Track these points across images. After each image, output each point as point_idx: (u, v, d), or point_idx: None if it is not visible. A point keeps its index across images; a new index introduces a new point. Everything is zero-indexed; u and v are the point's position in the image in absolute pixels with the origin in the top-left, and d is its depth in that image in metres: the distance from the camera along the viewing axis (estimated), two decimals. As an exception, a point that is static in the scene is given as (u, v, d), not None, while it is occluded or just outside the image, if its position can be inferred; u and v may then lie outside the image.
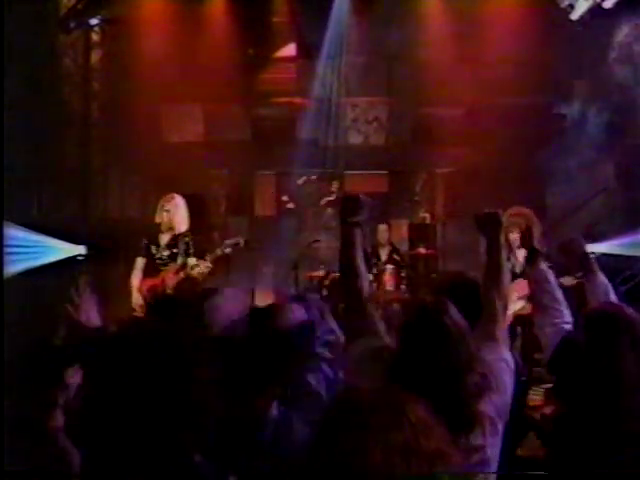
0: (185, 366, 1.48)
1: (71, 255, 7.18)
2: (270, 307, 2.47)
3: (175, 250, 5.88)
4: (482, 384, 2.08)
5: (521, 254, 5.52)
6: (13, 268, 5.88)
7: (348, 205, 2.56)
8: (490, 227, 2.55)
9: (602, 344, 2.23)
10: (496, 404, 2.13)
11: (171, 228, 5.91)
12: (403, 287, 7.52)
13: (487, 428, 2.07)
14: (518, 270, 5.55)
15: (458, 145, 8.69)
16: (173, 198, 5.97)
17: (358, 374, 2.25)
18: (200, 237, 6.61)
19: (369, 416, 1.20)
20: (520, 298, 5.18)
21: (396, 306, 7.47)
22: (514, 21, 8.03)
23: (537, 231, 5.43)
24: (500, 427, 2.14)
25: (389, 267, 7.58)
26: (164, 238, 5.93)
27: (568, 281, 5.18)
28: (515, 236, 5.43)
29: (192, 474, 1.44)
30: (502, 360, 2.26)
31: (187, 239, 5.91)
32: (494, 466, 2.11)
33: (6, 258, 5.32)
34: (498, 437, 2.13)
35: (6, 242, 5.36)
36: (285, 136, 8.95)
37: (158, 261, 5.90)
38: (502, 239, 2.52)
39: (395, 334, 2.20)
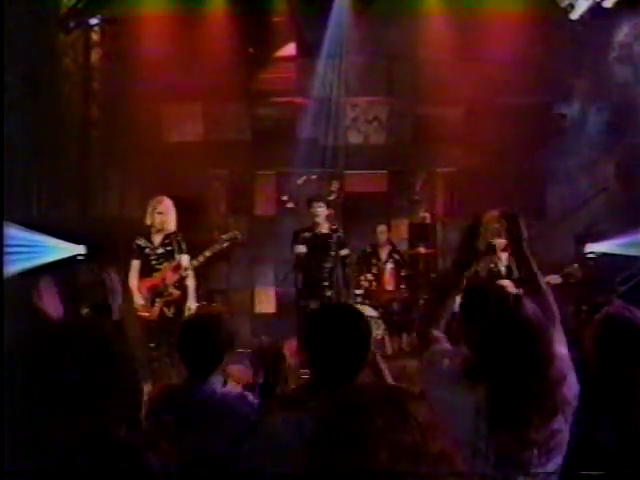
0: (110, 352, 1.61)
1: (71, 255, 7.19)
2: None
3: (169, 248, 6.04)
4: (561, 371, 2.20)
5: (504, 256, 5.54)
6: (13, 268, 5.88)
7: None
8: (512, 229, 2.61)
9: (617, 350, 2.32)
10: (572, 390, 2.22)
11: (162, 229, 6.07)
12: (403, 287, 7.52)
13: (567, 413, 2.18)
14: (503, 272, 5.56)
15: (458, 145, 8.68)
16: (163, 200, 6.12)
17: (431, 377, 2.36)
18: (199, 237, 6.66)
19: (375, 416, 1.19)
20: None
21: (396, 306, 7.48)
22: (514, 21, 8.02)
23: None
24: (573, 412, 2.23)
25: (389, 267, 7.58)
26: (157, 238, 6.09)
27: (554, 279, 5.19)
28: (499, 241, 5.46)
29: (115, 447, 1.54)
30: (565, 354, 2.34)
31: (179, 238, 6.09)
32: (564, 451, 2.20)
33: (6, 258, 5.31)
34: (570, 423, 2.22)
35: (6, 242, 5.36)
36: (285, 136, 8.94)
37: (153, 261, 6.05)
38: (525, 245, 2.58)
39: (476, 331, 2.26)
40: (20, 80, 7.06)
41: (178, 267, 6.00)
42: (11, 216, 5.82)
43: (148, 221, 6.10)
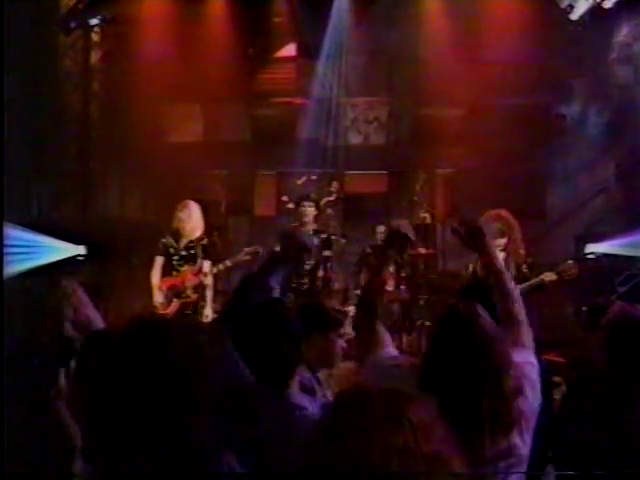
0: (190, 356, 1.59)
1: (71, 255, 7.20)
2: None
3: (192, 252, 6.06)
4: (518, 383, 2.12)
5: (501, 256, 5.55)
6: (13, 268, 5.88)
7: (397, 242, 2.63)
8: (474, 240, 2.55)
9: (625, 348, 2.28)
10: (530, 403, 2.16)
11: (184, 235, 6.07)
12: (403, 287, 7.51)
13: (523, 427, 2.10)
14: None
15: (458, 145, 8.68)
16: (186, 206, 6.13)
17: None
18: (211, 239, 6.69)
19: (368, 417, 1.19)
20: None
21: (396, 306, 7.47)
22: (514, 21, 8.02)
23: (517, 234, 5.49)
24: (532, 426, 2.16)
25: (389, 267, 7.57)
26: (182, 241, 6.11)
27: (549, 276, 5.21)
28: (501, 241, 5.48)
29: (192, 451, 1.53)
30: (529, 362, 2.29)
31: (204, 242, 6.10)
32: (525, 465, 2.13)
33: (6, 258, 5.31)
34: (530, 436, 2.15)
35: (6, 242, 5.36)
36: (285, 136, 8.94)
37: (175, 261, 6.07)
38: (491, 247, 2.53)
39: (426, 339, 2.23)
40: (20, 80, 7.06)
41: (199, 272, 6.03)
42: (11, 216, 5.82)
43: (173, 225, 6.11)
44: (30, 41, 7.40)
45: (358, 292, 7.34)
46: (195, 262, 6.07)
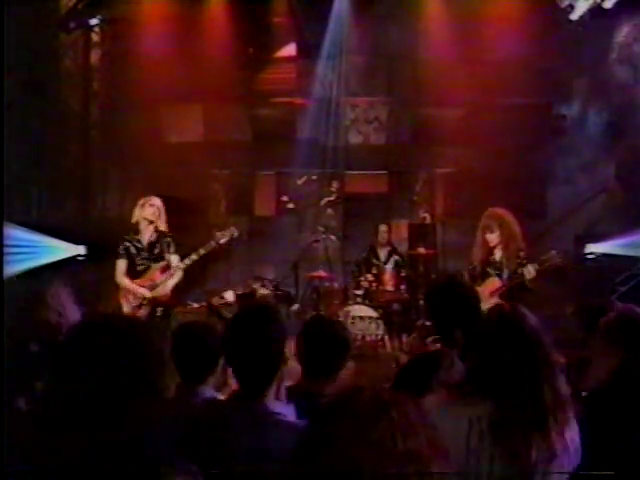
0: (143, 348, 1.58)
1: (71, 255, 7.21)
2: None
3: (157, 250, 5.82)
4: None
5: (498, 253, 5.55)
6: (13, 268, 5.88)
7: None
8: None
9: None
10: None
11: (150, 230, 5.83)
12: (403, 287, 7.51)
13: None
14: (493, 271, 5.57)
15: (458, 145, 8.69)
16: (151, 200, 5.89)
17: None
18: (199, 237, 6.60)
19: (346, 412, 1.20)
20: (492, 294, 5.20)
21: (396, 306, 7.48)
22: (514, 21, 8.02)
23: (511, 232, 5.49)
24: None
25: (389, 267, 7.59)
26: (144, 238, 5.85)
27: (531, 269, 5.25)
28: (492, 236, 5.50)
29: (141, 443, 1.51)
30: None
31: (168, 238, 5.85)
32: None
33: (6, 258, 5.31)
34: None
35: (6, 242, 5.36)
36: (285, 136, 8.95)
37: (139, 261, 5.82)
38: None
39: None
40: (20, 80, 7.06)
41: (167, 267, 5.77)
42: (11, 216, 5.82)
43: (134, 220, 5.87)
44: (30, 41, 7.40)
45: (359, 292, 7.35)
46: (162, 259, 5.79)
